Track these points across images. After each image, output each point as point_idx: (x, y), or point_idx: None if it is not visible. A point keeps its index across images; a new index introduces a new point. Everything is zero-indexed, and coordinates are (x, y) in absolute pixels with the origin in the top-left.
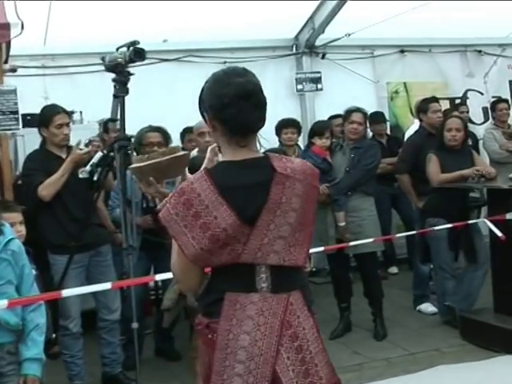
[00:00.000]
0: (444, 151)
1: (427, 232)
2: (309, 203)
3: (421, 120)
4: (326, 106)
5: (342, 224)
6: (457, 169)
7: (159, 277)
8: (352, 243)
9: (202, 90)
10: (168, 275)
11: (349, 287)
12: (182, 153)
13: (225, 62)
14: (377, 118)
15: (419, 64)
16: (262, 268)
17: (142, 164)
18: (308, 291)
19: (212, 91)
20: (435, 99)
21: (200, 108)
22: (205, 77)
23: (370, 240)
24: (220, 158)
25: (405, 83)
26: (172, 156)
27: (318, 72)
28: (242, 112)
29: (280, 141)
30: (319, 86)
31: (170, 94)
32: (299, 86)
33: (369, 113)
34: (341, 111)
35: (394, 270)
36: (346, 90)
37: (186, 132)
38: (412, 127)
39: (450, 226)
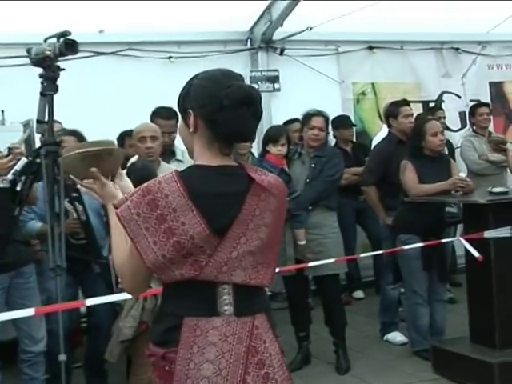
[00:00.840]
0: (419, 159)
1: (398, 250)
2: (279, 220)
3: (390, 125)
4: (284, 108)
5: (303, 242)
6: (435, 179)
7: (90, 301)
8: (311, 264)
9: (189, 85)
10: (101, 300)
11: (308, 314)
12: (115, 147)
13: (170, 57)
14: (343, 122)
15: (389, 62)
16: (224, 289)
17: (88, 149)
18: (271, 313)
19: (207, 90)
20: (406, 102)
21: (181, 103)
22: (147, 73)
23: (332, 260)
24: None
25: (373, 84)
26: (105, 148)
27: (276, 70)
28: (241, 118)
29: None
30: (276, 85)
31: (107, 92)
32: (254, 86)
33: (332, 117)
34: (300, 115)
35: (359, 294)
36: (307, 91)
37: (125, 136)
38: (380, 133)
39: (422, 244)
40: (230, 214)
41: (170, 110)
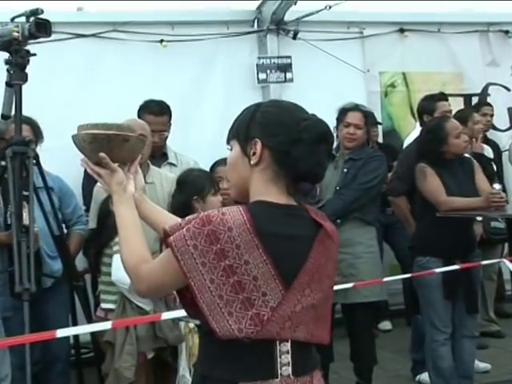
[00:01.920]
0: (438, 164)
1: (417, 277)
2: (335, 271)
3: (424, 124)
4: (298, 102)
5: None
6: (460, 187)
7: (62, 332)
8: (339, 287)
9: (254, 111)
10: (75, 330)
11: (329, 349)
12: (133, 134)
13: (162, 41)
14: None
15: (424, 48)
16: (284, 347)
17: (98, 132)
18: None
19: (282, 118)
20: (444, 96)
21: (242, 130)
22: (134, 59)
23: (350, 285)
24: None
25: (404, 74)
26: (118, 133)
27: (288, 57)
28: (317, 155)
29: None
30: (288, 75)
31: (86, 82)
32: (262, 76)
33: None
34: (316, 110)
35: (386, 325)
36: (325, 82)
37: None
38: (413, 133)
39: (448, 268)
40: (298, 261)
41: (161, 104)
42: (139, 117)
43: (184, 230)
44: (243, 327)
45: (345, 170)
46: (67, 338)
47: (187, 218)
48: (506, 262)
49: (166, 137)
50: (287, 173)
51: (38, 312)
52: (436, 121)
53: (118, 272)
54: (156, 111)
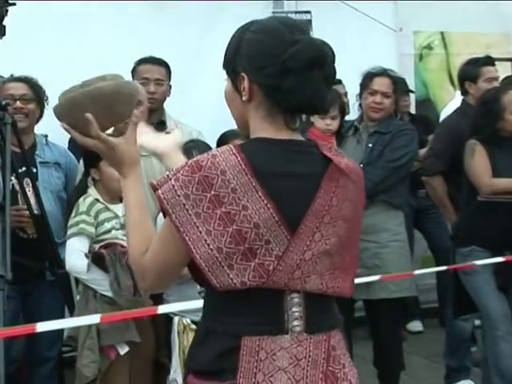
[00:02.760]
0: (491, 142)
1: (462, 269)
2: (359, 214)
3: (466, 92)
4: None
5: None
6: (510, 171)
7: (43, 326)
8: (362, 280)
9: (239, 40)
10: (57, 324)
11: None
12: (131, 81)
13: None
14: None
15: (466, 5)
16: (294, 298)
17: (75, 93)
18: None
19: (266, 46)
20: (490, 60)
21: (229, 63)
22: (125, 16)
23: (378, 277)
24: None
25: (442, 34)
26: (119, 82)
27: (307, 12)
28: (311, 84)
29: None
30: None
31: (71, 41)
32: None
33: None
34: (340, 75)
35: (416, 326)
36: (351, 43)
37: None
38: (451, 103)
39: (496, 260)
40: (304, 202)
41: (158, 58)
42: (133, 71)
43: (172, 180)
44: (246, 280)
45: (370, 145)
46: (57, 334)
47: (175, 168)
48: None
49: (164, 92)
50: (282, 108)
51: (32, 306)
52: (493, 92)
53: (70, 259)
54: (151, 60)
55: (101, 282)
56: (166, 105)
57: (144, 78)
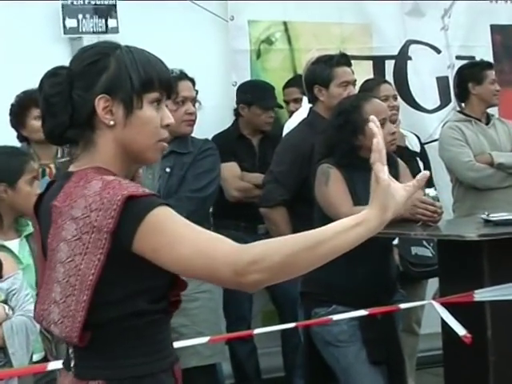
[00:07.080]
0: (349, 164)
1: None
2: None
3: (315, 99)
4: None
5: None
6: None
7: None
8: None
9: None
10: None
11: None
12: None
13: None
14: None
15: None
16: None
17: None
18: None
19: None
20: (346, 59)
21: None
22: None
23: (203, 340)
24: None
25: (286, 24)
26: None
27: None
28: None
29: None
30: (112, 23)
31: None
32: (70, 23)
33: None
34: None
35: None
36: (164, 34)
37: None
38: (297, 113)
39: (360, 313)
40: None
41: None
42: None
43: None
44: None
45: (167, 170)
46: None
47: None
48: (435, 303)
49: None
50: None
51: None
52: (352, 99)
53: None
54: None
55: None
56: None
57: None
